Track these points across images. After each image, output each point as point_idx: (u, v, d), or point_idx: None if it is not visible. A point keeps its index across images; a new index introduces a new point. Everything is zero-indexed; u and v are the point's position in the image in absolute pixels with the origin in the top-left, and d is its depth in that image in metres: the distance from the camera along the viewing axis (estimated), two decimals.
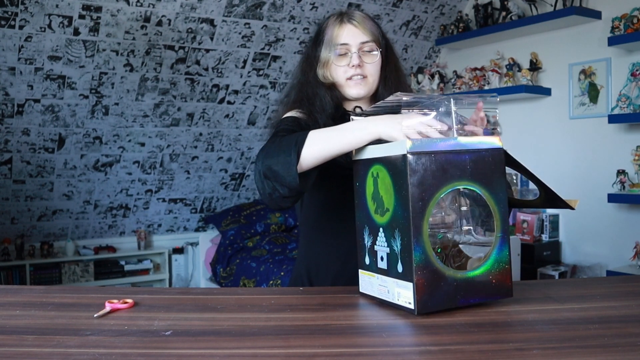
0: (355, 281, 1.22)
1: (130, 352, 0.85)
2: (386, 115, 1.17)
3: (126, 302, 1.10)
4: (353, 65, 1.39)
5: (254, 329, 0.97)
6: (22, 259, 4.23)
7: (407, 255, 1.01)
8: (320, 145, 1.17)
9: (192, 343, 0.90)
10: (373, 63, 1.42)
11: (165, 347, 0.88)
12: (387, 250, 1.07)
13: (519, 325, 1.00)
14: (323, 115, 1.41)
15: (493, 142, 1.08)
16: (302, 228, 1.56)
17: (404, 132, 1.09)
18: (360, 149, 1.16)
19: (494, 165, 1.07)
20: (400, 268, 1.03)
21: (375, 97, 1.47)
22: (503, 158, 1.09)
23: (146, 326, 0.98)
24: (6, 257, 4.16)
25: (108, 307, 1.07)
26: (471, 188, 1.05)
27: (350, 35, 1.40)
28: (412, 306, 1.01)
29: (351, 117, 1.25)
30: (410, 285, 1.01)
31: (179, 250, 4.95)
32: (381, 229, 1.08)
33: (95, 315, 1.03)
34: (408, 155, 1.00)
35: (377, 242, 1.10)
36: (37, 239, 4.40)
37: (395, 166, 1.03)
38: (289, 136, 1.21)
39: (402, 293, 1.03)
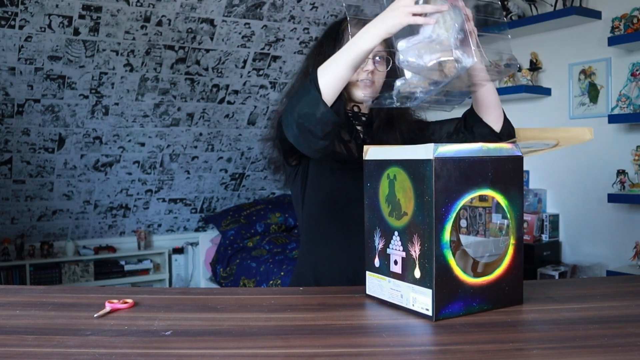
0: (360, 275, 1.21)
1: (130, 352, 0.85)
2: (379, 15, 1.18)
3: (126, 302, 1.10)
4: (366, 70, 1.42)
5: (254, 329, 0.97)
6: (22, 259, 4.23)
7: (427, 261, 1.00)
8: (333, 71, 1.20)
9: (192, 343, 0.90)
10: (383, 72, 1.45)
11: (165, 347, 0.88)
12: (403, 254, 1.05)
13: (519, 325, 1.00)
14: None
15: (513, 149, 1.08)
16: (303, 226, 1.56)
17: (402, 12, 1.11)
18: (373, 150, 1.15)
19: (513, 173, 1.08)
20: (417, 274, 1.02)
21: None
22: (522, 166, 1.10)
23: (146, 326, 0.98)
24: (6, 257, 4.16)
25: (108, 307, 1.07)
26: (490, 195, 1.05)
27: None
28: (429, 313, 1.00)
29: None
30: (429, 292, 1.00)
31: (179, 250, 4.95)
32: (396, 233, 1.07)
33: (95, 315, 1.03)
34: (434, 160, 0.98)
35: (390, 245, 1.09)
36: (37, 239, 4.40)
37: (417, 170, 1.02)
38: (300, 84, 1.26)
39: (419, 299, 1.02)
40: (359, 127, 1.53)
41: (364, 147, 1.17)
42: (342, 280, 1.45)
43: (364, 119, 1.53)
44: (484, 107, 1.43)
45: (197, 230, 5.06)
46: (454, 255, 1.01)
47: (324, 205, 1.48)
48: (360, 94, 1.45)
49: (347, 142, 1.49)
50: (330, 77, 1.20)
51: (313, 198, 1.50)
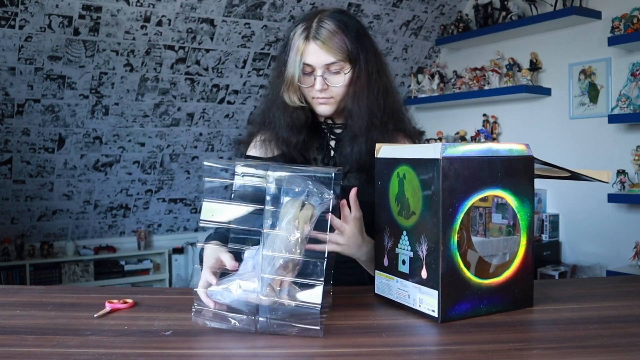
0: None
1: (130, 352, 0.85)
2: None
3: (126, 302, 1.10)
4: (317, 89, 1.31)
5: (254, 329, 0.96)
6: (22, 259, 4.22)
7: (434, 261, 0.99)
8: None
9: (192, 343, 0.90)
10: (339, 82, 1.32)
11: (165, 347, 0.88)
12: (411, 254, 1.04)
13: (519, 325, 1.00)
14: (293, 134, 1.35)
15: (525, 150, 1.07)
16: None
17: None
18: (385, 149, 1.13)
19: (524, 173, 1.06)
20: (424, 274, 1.01)
21: (344, 110, 1.38)
22: (533, 166, 1.08)
23: (146, 326, 0.98)
24: (6, 257, 4.16)
25: (108, 307, 1.07)
26: (501, 195, 1.04)
27: (315, 56, 1.29)
28: (435, 314, 0.99)
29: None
30: (435, 292, 0.99)
31: (179, 250, 4.95)
32: (405, 232, 1.06)
33: (95, 315, 1.03)
34: (441, 159, 0.97)
35: (399, 245, 1.08)
36: (37, 239, 4.40)
37: (425, 169, 1.00)
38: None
39: (425, 300, 1.01)
40: (332, 142, 1.43)
41: (374, 146, 1.16)
42: None
43: (338, 131, 1.43)
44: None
45: (197, 230, 5.06)
46: (462, 256, 1.00)
47: None
48: (320, 110, 1.36)
49: (312, 160, 1.41)
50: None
51: None
